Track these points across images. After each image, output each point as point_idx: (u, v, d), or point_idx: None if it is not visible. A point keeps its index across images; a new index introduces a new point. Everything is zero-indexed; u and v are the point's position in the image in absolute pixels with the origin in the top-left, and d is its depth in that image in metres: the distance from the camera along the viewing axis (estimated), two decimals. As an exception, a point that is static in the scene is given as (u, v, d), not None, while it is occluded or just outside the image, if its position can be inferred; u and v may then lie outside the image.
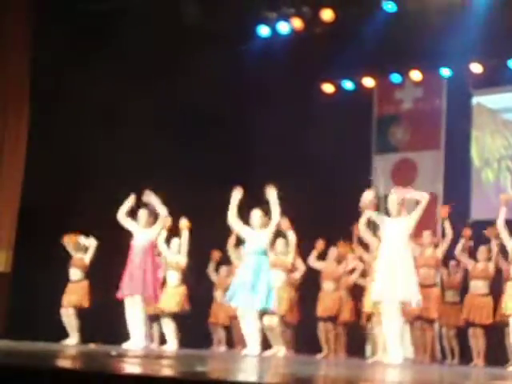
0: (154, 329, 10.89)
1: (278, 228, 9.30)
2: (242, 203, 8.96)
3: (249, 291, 8.70)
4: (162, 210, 9.54)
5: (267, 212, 8.89)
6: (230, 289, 9.01)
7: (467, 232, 10.05)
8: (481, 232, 9.82)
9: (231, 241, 10.66)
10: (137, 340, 9.33)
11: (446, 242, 9.86)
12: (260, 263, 8.83)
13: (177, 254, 10.43)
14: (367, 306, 9.42)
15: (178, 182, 11.16)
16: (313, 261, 10.58)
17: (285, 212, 9.13)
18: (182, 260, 10.39)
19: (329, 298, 10.56)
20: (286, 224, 9.69)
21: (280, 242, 9.99)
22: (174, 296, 10.36)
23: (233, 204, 8.93)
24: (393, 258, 8.18)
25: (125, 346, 9.26)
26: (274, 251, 9.91)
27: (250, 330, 8.78)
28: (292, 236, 9.90)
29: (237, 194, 8.94)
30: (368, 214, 8.91)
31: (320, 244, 10.51)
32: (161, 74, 11.62)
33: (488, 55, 11.93)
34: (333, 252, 10.58)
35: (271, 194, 8.81)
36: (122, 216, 9.59)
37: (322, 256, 10.65)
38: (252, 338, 8.76)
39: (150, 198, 9.53)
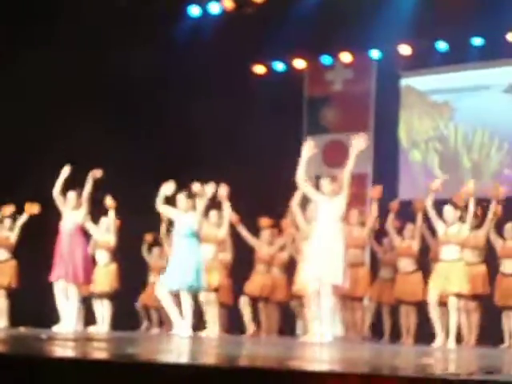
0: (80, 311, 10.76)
1: (215, 198, 9.33)
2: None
3: (181, 272, 8.72)
4: (86, 191, 9.51)
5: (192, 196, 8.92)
6: (165, 276, 8.96)
7: (394, 205, 10.08)
8: (408, 211, 9.96)
9: (163, 228, 10.62)
10: (67, 323, 9.25)
11: (371, 222, 9.97)
12: (190, 245, 8.87)
13: (106, 232, 10.34)
14: (298, 285, 9.48)
15: (112, 168, 11.06)
16: (246, 234, 10.41)
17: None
18: (112, 238, 10.32)
19: (261, 279, 10.50)
20: (223, 194, 9.60)
21: (213, 213, 9.90)
22: (105, 275, 10.27)
23: (161, 195, 8.90)
24: (324, 239, 8.24)
25: (55, 329, 9.18)
26: (208, 222, 9.79)
27: (183, 311, 8.77)
28: (227, 208, 9.80)
29: (167, 188, 8.90)
30: (301, 192, 8.96)
31: (233, 217, 10.11)
32: (89, 61, 11.47)
33: (416, 37, 12.07)
34: (265, 233, 10.56)
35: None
36: (56, 194, 9.53)
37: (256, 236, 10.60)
38: (184, 319, 8.76)
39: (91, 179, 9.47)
